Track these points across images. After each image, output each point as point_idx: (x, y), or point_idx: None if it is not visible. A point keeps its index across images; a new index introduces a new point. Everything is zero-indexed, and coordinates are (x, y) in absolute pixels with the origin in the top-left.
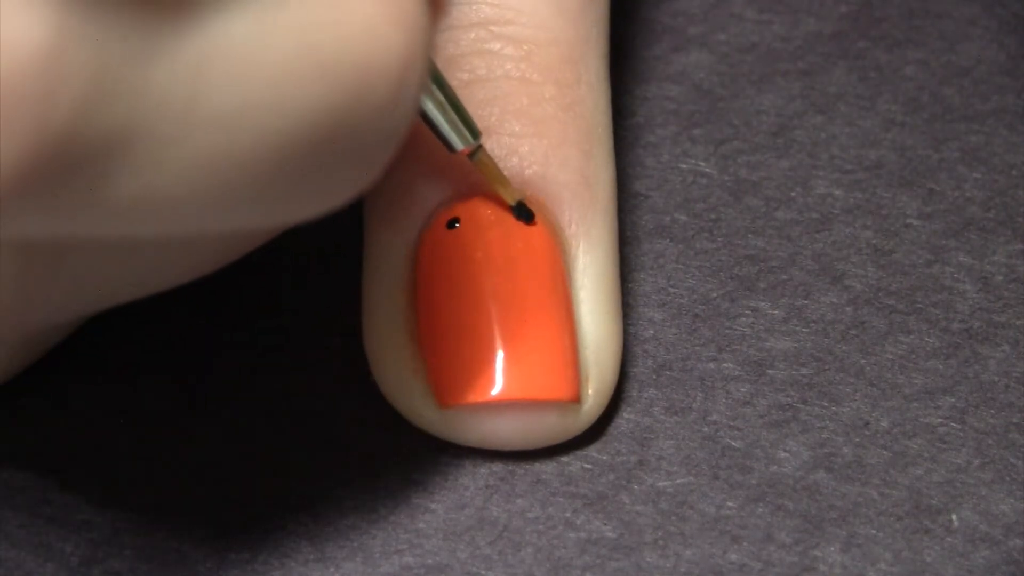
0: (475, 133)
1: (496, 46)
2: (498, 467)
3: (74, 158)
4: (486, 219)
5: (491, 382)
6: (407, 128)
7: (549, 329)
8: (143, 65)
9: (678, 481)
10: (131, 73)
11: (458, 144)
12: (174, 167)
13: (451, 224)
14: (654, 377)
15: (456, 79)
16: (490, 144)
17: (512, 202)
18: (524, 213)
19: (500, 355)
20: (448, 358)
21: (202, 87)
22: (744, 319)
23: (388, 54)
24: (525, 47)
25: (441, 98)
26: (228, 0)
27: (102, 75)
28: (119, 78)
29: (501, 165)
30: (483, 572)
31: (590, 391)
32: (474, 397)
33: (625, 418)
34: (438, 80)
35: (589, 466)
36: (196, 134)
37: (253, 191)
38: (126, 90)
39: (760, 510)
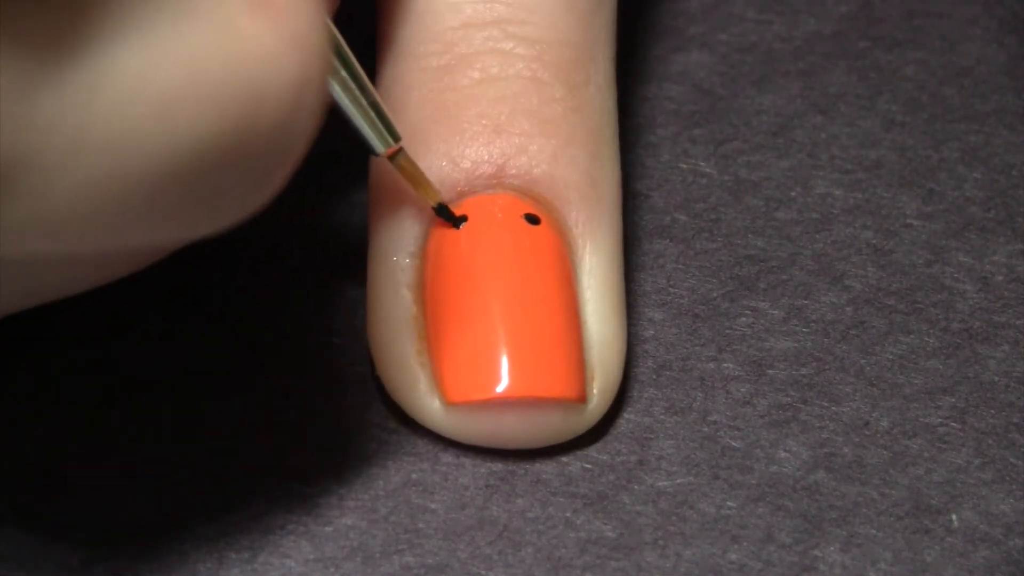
0: (395, 136)
1: (508, 45)
2: (498, 467)
3: None
4: (494, 217)
5: (497, 379)
6: (304, 147)
7: (555, 328)
8: (29, 98)
9: (678, 481)
10: (16, 107)
11: (379, 147)
12: (63, 192)
13: (458, 222)
14: (654, 377)
15: (468, 77)
16: (500, 142)
17: (434, 204)
18: (446, 214)
19: (506, 353)
20: (454, 355)
21: (90, 116)
22: (744, 319)
23: (281, 78)
24: (537, 47)
25: (363, 101)
26: (116, 32)
27: None
28: (4, 112)
29: (510, 164)
30: (483, 572)
31: (595, 390)
32: (480, 394)
33: (625, 418)
34: (360, 83)
35: (589, 466)
36: (85, 161)
37: (145, 212)
38: (12, 122)
39: (760, 510)
